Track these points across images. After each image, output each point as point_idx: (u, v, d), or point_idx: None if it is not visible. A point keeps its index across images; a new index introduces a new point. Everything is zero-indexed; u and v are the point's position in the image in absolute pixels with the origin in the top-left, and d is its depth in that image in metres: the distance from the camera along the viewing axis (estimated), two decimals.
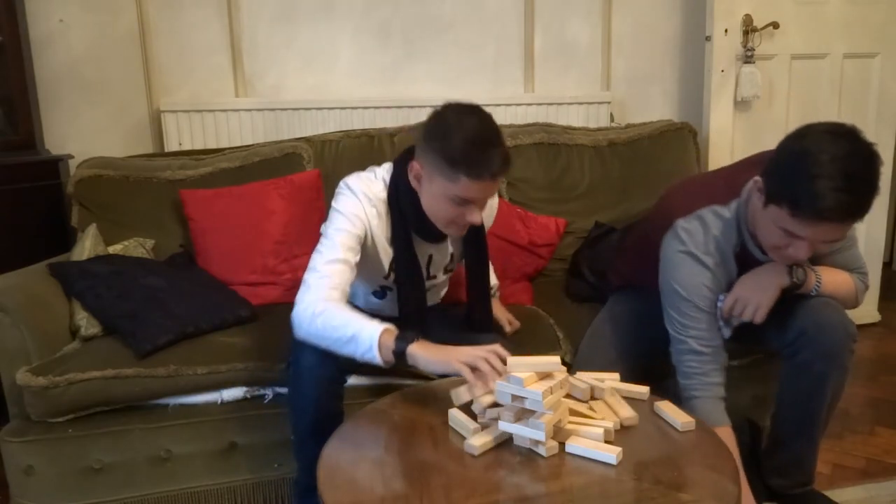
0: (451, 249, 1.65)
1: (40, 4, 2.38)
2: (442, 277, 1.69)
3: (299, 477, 1.53)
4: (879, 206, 2.86)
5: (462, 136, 1.34)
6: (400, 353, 1.27)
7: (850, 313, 1.54)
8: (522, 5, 2.73)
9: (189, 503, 1.70)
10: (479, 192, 1.38)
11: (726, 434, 1.42)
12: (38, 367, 1.61)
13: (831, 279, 1.53)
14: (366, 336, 1.29)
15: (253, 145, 2.31)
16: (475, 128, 1.36)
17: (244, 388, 1.68)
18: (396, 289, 1.60)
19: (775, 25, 2.59)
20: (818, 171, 1.22)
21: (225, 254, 2.04)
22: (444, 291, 1.81)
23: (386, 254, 1.55)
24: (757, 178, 1.37)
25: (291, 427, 1.49)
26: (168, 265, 2.03)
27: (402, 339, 1.28)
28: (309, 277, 1.41)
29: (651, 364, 1.63)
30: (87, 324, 1.77)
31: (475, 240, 1.61)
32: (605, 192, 2.41)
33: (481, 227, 1.57)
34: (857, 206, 1.24)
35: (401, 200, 1.49)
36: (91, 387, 1.59)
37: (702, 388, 1.49)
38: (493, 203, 1.71)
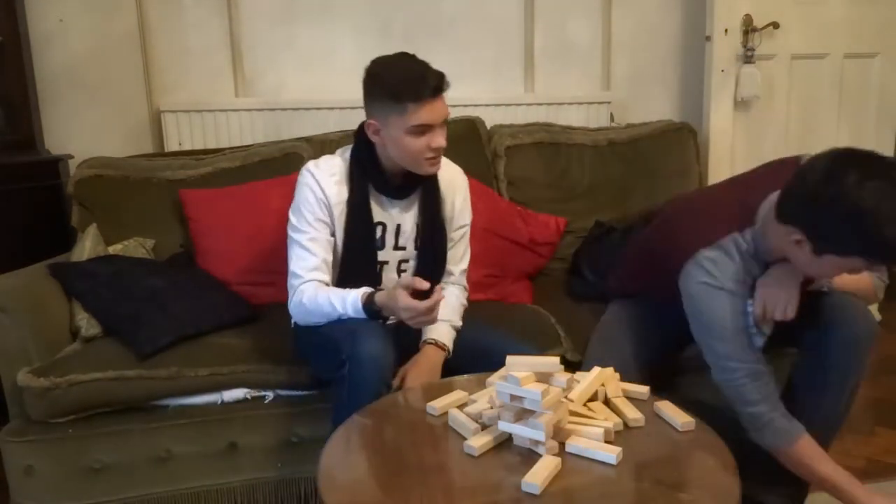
0: (417, 215, 1.66)
1: (40, 4, 2.38)
2: (405, 253, 1.68)
3: None
4: None
5: (394, 72, 1.50)
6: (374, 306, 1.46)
7: None
8: (522, 5, 2.73)
9: (189, 503, 1.70)
10: (430, 113, 1.48)
11: (808, 442, 1.38)
12: (39, 368, 1.61)
13: (846, 275, 1.50)
14: (350, 303, 1.47)
15: (253, 145, 2.31)
16: (401, 61, 1.52)
17: (245, 390, 1.69)
18: (342, 262, 1.62)
19: (775, 25, 2.59)
20: (879, 222, 1.18)
21: (225, 254, 2.04)
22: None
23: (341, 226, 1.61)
24: (793, 231, 1.30)
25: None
26: (168, 265, 2.03)
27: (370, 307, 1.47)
28: (289, 277, 1.57)
29: (662, 363, 1.63)
30: (87, 325, 1.77)
31: (432, 218, 1.66)
32: (605, 192, 2.41)
33: (439, 216, 1.66)
34: None
35: (361, 156, 1.59)
36: (92, 388, 1.59)
37: (771, 409, 1.40)
38: (461, 182, 1.74)
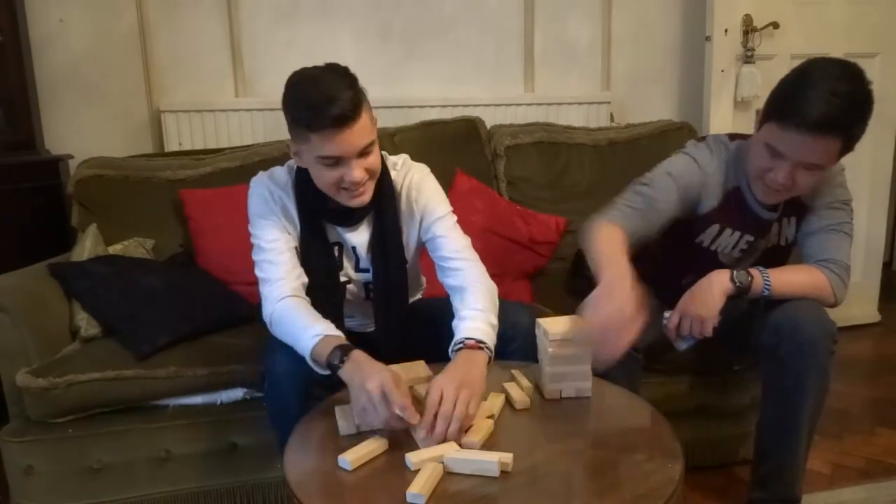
0: (367, 236, 1.49)
1: (40, 4, 2.38)
2: (370, 276, 1.51)
3: None
4: (879, 206, 2.87)
5: (299, 94, 1.29)
6: (334, 370, 1.20)
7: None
8: (522, 5, 2.73)
9: (189, 503, 1.70)
10: (338, 146, 1.26)
11: (609, 228, 1.48)
12: (38, 368, 1.61)
13: (786, 279, 1.49)
14: (302, 347, 1.25)
15: (253, 145, 2.31)
16: (311, 80, 1.30)
17: (243, 390, 1.68)
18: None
19: (775, 25, 2.59)
20: (808, 84, 1.35)
21: (225, 254, 2.04)
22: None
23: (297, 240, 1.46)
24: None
25: (277, 437, 1.37)
26: (168, 265, 2.03)
27: (337, 353, 1.20)
28: (260, 285, 1.40)
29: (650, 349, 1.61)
30: (86, 324, 1.77)
31: (380, 231, 1.47)
32: (605, 192, 2.37)
33: (393, 222, 1.46)
34: (837, 121, 1.33)
35: (299, 179, 1.43)
36: (91, 388, 1.59)
37: (616, 215, 1.54)
38: (418, 180, 1.49)
